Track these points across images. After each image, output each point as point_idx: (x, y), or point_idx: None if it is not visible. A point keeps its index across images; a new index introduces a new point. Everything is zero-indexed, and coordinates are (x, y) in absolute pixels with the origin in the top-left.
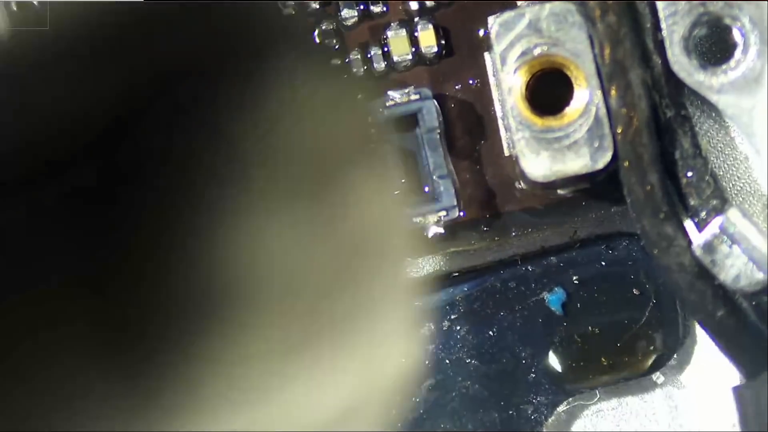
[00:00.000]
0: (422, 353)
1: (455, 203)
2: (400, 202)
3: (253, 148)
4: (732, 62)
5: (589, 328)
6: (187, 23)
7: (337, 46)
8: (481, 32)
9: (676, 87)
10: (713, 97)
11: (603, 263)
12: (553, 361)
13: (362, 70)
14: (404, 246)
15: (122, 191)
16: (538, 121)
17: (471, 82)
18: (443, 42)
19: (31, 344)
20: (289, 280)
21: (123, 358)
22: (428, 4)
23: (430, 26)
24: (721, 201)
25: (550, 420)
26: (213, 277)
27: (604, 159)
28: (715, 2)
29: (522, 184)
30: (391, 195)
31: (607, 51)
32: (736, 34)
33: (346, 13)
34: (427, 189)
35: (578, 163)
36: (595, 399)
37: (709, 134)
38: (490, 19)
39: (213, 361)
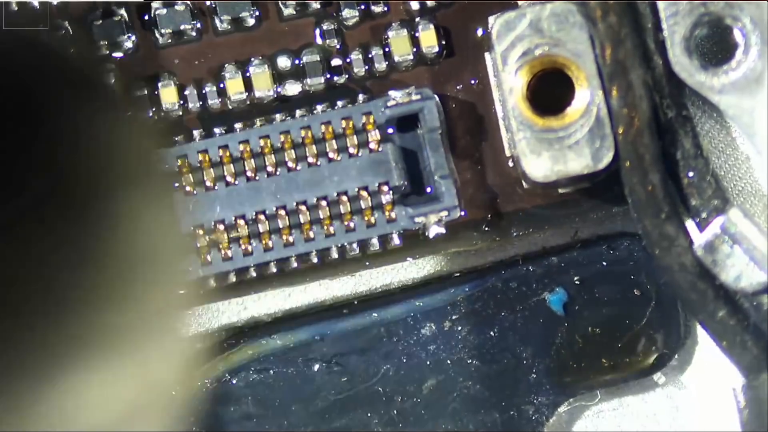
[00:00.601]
0: (195, 371)
1: (457, 203)
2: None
3: (31, 165)
4: (733, 63)
5: (590, 328)
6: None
7: (338, 46)
8: (482, 32)
9: (678, 87)
10: (714, 98)
11: (604, 263)
12: (554, 361)
13: (363, 70)
14: (181, 253)
15: None
16: (539, 122)
17: (472, 82)
18: (444, 42)
19: None
20: (59, 292)
21: None
22: (429, 4)
23: (431, 26)
24: (722, 201)
25: (551, 420)
26: None
27: (606, 159)
28: (716, 2)
29: (523, 184)
30: (165, 224)
31: (608, 51)
32: (737, 35)
33: (347, 13)
34: (428, 189)
35: (579, 163)
36: (596, 399)
37: (710, 134)
38: (491, 20)
39: None
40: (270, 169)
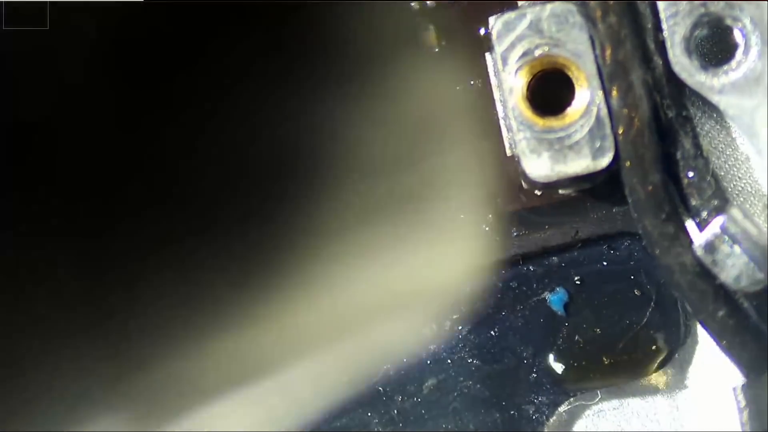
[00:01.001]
0: (486, 252)
1: None
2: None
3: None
4: (733, 63)
5: (591, 328)
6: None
7: None
8: (483, 33)
9: (678, 88)
10: (714, 98)
11: (604, 263)
12: (555, 361)
13: None
14: (472, 132)
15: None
16: (540, 122)
17: (472, 82)
18: (444, 42)
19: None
20: (348, 158)
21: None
22: (429, 4)
23: (432, 26)
24: (722, 201)
25: (551, 420)
26: (273, 149)
27: (606, 159)
28: (716, 3)
29: (523, 184)
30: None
31: (608, 51)
32: (737, 35)
33: None
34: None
35: (580, 163)
36: (597, 399)
37: (710, 135)
38: (492, 20)
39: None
40: None
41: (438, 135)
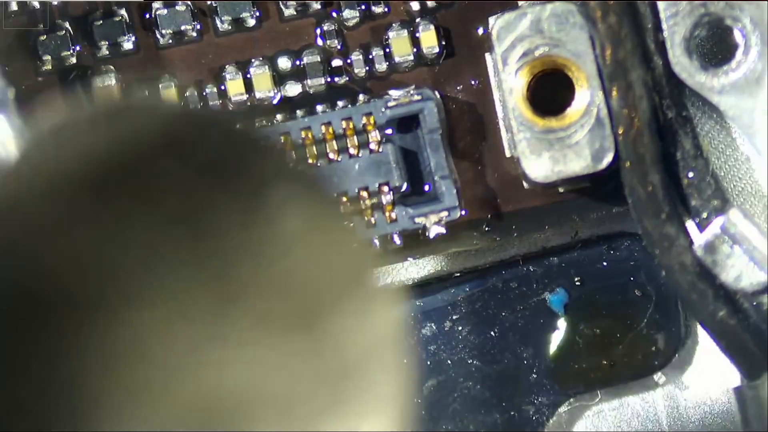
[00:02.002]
0: None
1: (457, 203)
2: (389, 338)
3: (252, 281)
4: (733, 63)
5: (591, 328)
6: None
7: (339, 47)
8: (483, 33)
9: (677, 88)
10: (714, 98)
11: (604, 263)
12: (555, 361)
13: (364, 70)
14: (394, 379)
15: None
16: (540, 122)
17: (472, 82)
18: (444, 43)
19: None
20: (281, 405)
21: None
22: (429, 4)
23: (432, 27)
24: (722, 201)
25: (551, 421)
26: (200, 396)
27: (606, 159)
28: (716, 3)
29: (523, 184)
30: (380, 331)
31: (608, 52)
32: (737, 35)
33: (347, 13)
34: (429, 189)
35: (580, 163)
36: (597, 399)
37: (710, 135)
38: (491, 20)
39: None
40: None
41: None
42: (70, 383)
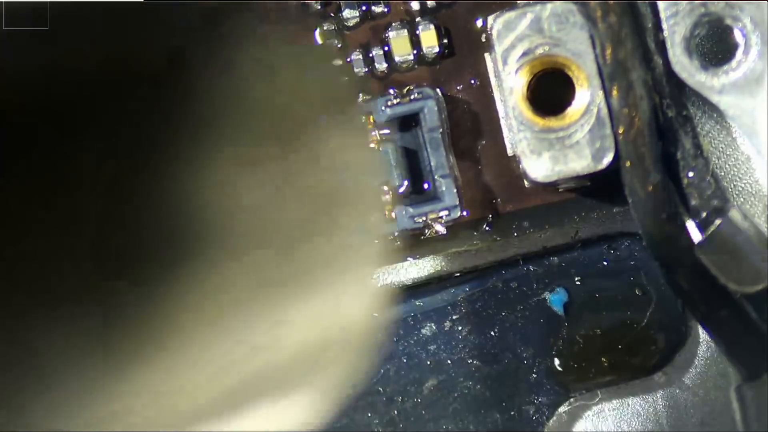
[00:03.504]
0: (384, 308)
1: (457, 203)
2: (370, 160)
3: (225, 107)
4: (733, 63)
5: (591, 328)
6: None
7: (339, 46)
8: (483, 32)
9: (678, 87)
10: (714, 98)
11: (605, 263)
12: (555, 361)
13: (364, 70)
14: (374, 204)
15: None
16: (540, 122)
17: (472, 82)
18: (444, 42)
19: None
20: (260, 229)
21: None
22: (429, 4)
23: (432, 26)
24: (722, 201)
25: (551, 420)
26: (188, 223)
27: (606, 159)
28: (716, 3)
29: (525, 183)
30: (362, 151)
31: (608, 51)
32: (737, 35)
33: (347, 13)
34: (429, 189)
35: (580, 163)
36: (597, 399)
37: (710, 135)
38: (491, 20)
39: (188, 298)
40: None
41: (347, 202)
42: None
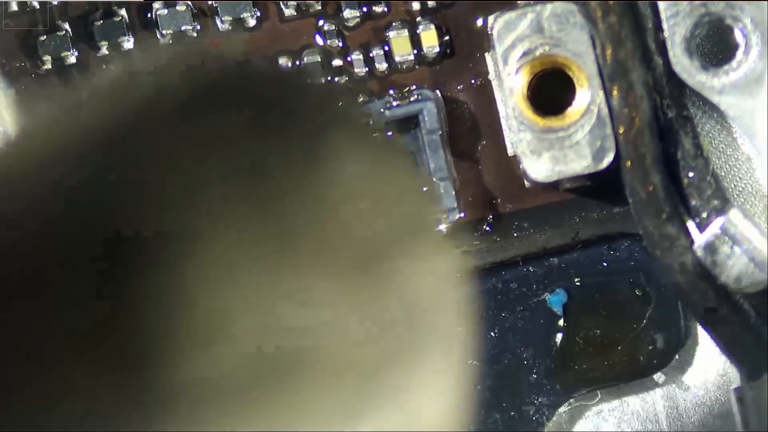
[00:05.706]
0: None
1: (455, 205)
2: (452, 281)
3: (313, 225)
4: (734, 63)
5: (591, 328)
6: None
7: (340, 45)
8: (483, 32)
9: (678, 87)
10: (715, 98)
11: (604, 264)
12: (555, 361)
13: (364, 70)
14: (454, 325)
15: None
16: (540, 122)
17: (473, 82)
18: (445, 42)
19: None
20: (339, 355)
21: None
22: (430, 4)
23: (432, 26)
24: (722, 201)
25: (551, 421)
26: (260, 338)
27: (606, 159)
28: (716, 3)
29: (525, 184)
30: (441, 277)
31: (608, 51)
32: (738, 35)
33: (348, 13)
34: (425, 190)
35: (580, 163)
36: (596, 399)
37: (710, 135)
38: (491, 20)
39: None
40: None
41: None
42: (138, 317)
